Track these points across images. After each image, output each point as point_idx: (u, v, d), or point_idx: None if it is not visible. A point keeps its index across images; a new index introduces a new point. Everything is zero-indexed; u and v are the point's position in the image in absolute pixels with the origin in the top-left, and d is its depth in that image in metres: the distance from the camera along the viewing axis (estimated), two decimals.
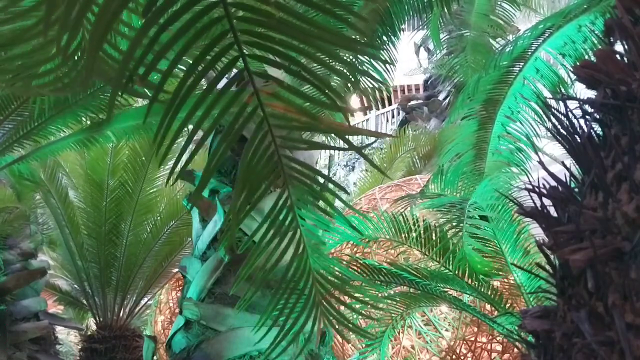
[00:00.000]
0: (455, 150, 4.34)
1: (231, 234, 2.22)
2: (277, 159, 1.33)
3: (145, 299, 8.39)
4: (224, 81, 1.24)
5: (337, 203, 1.57)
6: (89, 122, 5.42)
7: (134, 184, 7.45)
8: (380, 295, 4.27)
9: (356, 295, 1.83)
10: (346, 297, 1.81)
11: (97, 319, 8.08)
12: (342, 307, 1.75)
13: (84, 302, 8.24)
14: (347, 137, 1.37)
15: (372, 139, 6.03)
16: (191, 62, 1.21)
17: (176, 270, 7.27)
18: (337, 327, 1.68)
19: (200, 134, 1.29)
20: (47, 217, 7.74)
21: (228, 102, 1.23)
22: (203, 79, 1.24)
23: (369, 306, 3.58)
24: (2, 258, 6.95)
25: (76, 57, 1.32)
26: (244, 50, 1.19)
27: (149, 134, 5.85)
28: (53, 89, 1.44)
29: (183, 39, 1.16)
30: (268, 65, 1.27)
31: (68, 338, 9.48)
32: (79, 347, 8.39)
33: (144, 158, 7.23)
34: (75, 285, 8.32)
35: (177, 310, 6.05)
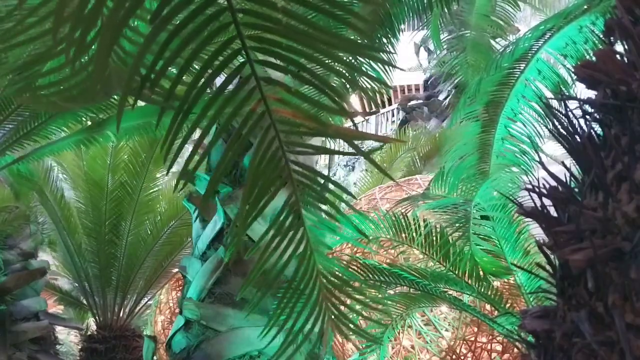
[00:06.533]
0: (459, 153, 4.31)
1: (239, 237, 2.22)
2: (285, 164, 1.34)
3: (145, 299, 8.39)
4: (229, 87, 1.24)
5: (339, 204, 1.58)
6: (89, 122, 5.43)
7: (134, 184, 7.45)
8: (380, 296, 4.26)
9: (359, 297, 1.83)
10: (347, 299, 1.81)
11: (97, 319, 8.08)
12: (344, 308, 1.75)
13: (84, 302, 8.24)
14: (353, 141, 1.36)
15: (377, 143, 6.00)
16: (198, 67, 1.20)
17: (176, 270, 7.26)
18: (342, 328, 1.68)
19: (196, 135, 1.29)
20: (47, 217, 7.73)
21: (236, 107, 1.23)
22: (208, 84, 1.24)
23: (370, 307, 3.57)
24: (2, 258, 6.94)
25: (88, 69, 1.31)
26: (251, 56, 1.18)
27: (149, 134, 5.86)
28: (63, 99, 1.44)
29: (191, 46, 1.16)
30: (273, 70, 1.27)
31: (68, 338, 9.47)
32: (79, 347, 8.39)
33: (144, 158, 7.23)
34: (75, 285, 8.32)
35: (177, 310, 6.05)
